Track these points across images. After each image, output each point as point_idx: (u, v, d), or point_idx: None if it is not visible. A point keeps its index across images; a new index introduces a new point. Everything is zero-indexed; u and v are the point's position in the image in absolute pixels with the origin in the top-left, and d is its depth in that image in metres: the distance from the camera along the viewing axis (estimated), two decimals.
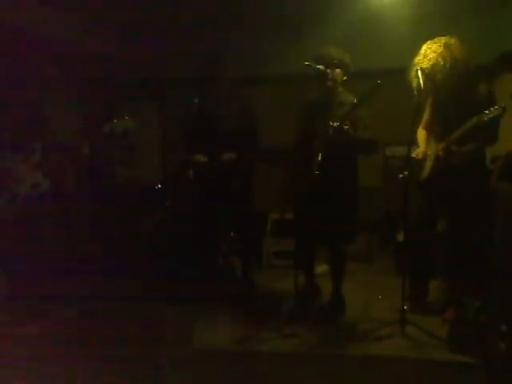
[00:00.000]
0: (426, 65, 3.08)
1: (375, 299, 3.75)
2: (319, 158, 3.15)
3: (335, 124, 3.11)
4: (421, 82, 2.96)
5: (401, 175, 3.04)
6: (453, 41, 3.09)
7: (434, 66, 3.06)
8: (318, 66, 3.29)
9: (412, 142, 3.06)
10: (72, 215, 4.81)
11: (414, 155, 3.28)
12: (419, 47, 3.23)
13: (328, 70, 3.28)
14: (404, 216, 3.14)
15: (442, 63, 3.04)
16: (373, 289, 4.04)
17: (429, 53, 3.10)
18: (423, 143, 3.34)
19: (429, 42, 3.15)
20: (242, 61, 4.91)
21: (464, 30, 3.21)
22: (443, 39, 3.10)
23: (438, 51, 3.06)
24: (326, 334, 3.19)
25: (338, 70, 3.32)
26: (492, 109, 2.83)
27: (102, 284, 4.08)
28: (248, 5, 4.59)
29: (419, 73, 2.97)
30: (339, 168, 3.29)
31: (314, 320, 3.38)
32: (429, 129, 3.35)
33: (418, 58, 3.15)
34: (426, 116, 3.39)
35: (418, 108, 2.98)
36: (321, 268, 4.06)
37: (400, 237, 4.24)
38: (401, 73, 3.20)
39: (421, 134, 3.40)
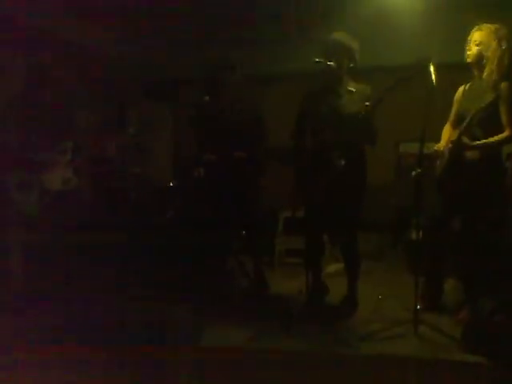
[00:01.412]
0: (478, 38, 3.05)
1: (387, 298, 3.71)
2: (340, 149, 3.13)
3: (366, 109, 3.06)
4: (433, 78, 2.90)
5: (413, 172, 3.00)
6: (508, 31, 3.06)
7: (486, 43, 3.02)
8: (328, 63, 3.25)
9: (424, 139, 2.99)
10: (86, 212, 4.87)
11: (435, 148, 3.24)
12: (433, 42, 3.19)
13: (335, 63, 3.24)
14: (416, 214, 3.10)
15: (494, 45, 3.00)
16: (385, 287, 4.00)
17: (488, 29, 3.05)
18: (445, 139, 3.28)
19: (484, 24, 3.09)
20: (253, 60, 4.91)
21: (476, 23, 3.14)
22: (504, 26, 3.06)
23: (497, 32, 3.03)
24: (338, 333, 3.16)
25: (344, 59, 3.29)
26: (493, 94, 2.80)
27: (114, 281, 4.10)
28: (258, 4, 4.57)
29: (431, 69, 2.92)
30: (354, 158, 3.26)
31: (325, 319, 3.36)
32: (454, 125, 3.29)
33: (475, 31, 3.09)
34: (452, 112, 3.32)
35: (429, 104, 2.93)
36: (333, 267, 4.04)
37: (413, 235, 4.20)
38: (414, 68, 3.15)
39: (446, 129, 3.34)
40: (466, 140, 2.98)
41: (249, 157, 3.72)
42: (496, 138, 2.98)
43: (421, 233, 3.20)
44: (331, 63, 3.25)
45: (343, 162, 3.15)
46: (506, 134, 2.97)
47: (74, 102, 4.70)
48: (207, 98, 3.77)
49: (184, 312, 3.41)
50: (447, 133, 3.32)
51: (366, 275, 3.98)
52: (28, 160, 4.04)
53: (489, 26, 3.07)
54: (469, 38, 3.13)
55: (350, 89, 3.30)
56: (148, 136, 5.49)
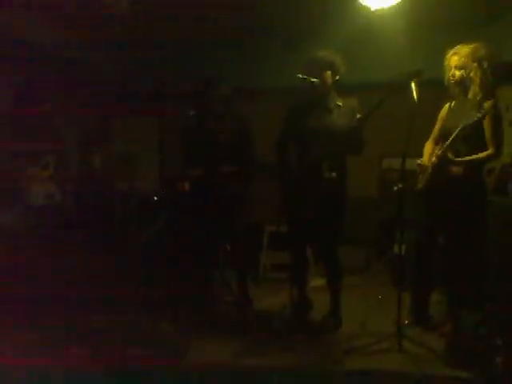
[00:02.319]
0: (458, 63, 3.08)
1: (373, 312, 3.72)
2: (327, 162, 3.18)
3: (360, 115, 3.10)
4: (415, 95, 2.95)
5: (395, 188, 3.04)
6: (488, 48, 3.09)
7: (466, 66, 3.06)
8: (312, 79, 3.30)
9: (406, 155, 3.04)
10: (73, 227, 4.83)
11: (418, 161, 3.28)
12: (416, 59, 3.25)
13: (319, 78, 3.29)
14: (399, 228, 3.13)
15: (475, 66, 3.03)
16: (370, 301, 4.01)
17: (465, 51, 3.07)
18: (427, 155, 3.33)
19: (459, 46, 3.13)
20: (239, 74, 4.95)
21: (458, 40, 3.21)
22: (480, 43, 3.09)
23: (475, 54, 3.05)
24: (323, 348, 3.16)
25: (328, 73, 3.33)
26: (478, 113, 2.84)
27: (97, 296, 4.04)
28: (245, 19, 4.61)
29: (413, 86, 2.97)
30: (338, 171, 3.29)
31: (310, 334, 3.35)
32: (436, 141, 3.33)
33: (452, 55, 3.13)
34: (436, 128, 3.37)
35: (412, 120, 2.97)
36: (317, 282, 4.04)
37: (396, 248, 4.23)
38: (398, 85, 3.20)
39: (428, 146, 3.39)
40: (450, 156, 3.02)
41: (235, 171, 3.72)
42: (480, 155, 3.03)
43: (404, 247, 3.23)
44: (315, 80, 3.29)
45: (334, 174, 3.18)
46: (489, 151, 3.02)
47: (59, 116, 4.70)
48: (193, 112, 3.78)
49: (169, 327, 3.40)
50: (429, 149, 3.37)
51: (351, 289, 3.99)
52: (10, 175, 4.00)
53: (465, 48, 3.10)
54: (446, 63, 3.17)
55: (337, 103, 3.35)
56: (134, 149, 5.48)
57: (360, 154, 3.35)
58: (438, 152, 3.09)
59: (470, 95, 3.11)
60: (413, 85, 2.98)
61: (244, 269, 4.02)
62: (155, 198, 4.68)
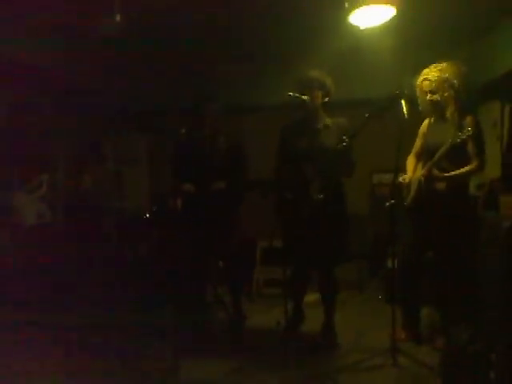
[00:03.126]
0: (431, 88, 3.15)
1: (367, 328, 3.72)
2: (319, 183, 3.21)
3: (343, 143, 3.13)
4: (404, 111, 3.00)
5: (387, 203, 3.06)
6: (456, 67, 3.16)
7: (442, 81, 3.12)
8: (302, 97, 3.33)
9: (398, 170, 3.08)
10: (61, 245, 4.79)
11: (400, 180, 3.32)
12: (404, 76, 3.31)
13: (309, 97, 3.33)
14: (391, 243, 3.15)
15: (453, 81, 3.11)
16: (364, 317, 4.01)
17: (434, 76, 3.15)
18: (411, 170, 3.38)
19: (432, 66, 3.21)
20: (229, 91, 4.98)
21: (447, 58, 3.28)
22: (447, 64, 3.17)
23: (450, 69, 3.13)
24: (317, 365, 3.14)
25: (319, 92, 3.37)
26: (465, 131, 2.90)
27: (87, 315, 4.00)
28: (235, 35, 4.67)
29: (403, 102, 3.02)
30: (333, 191, 3.33)
31: (304, 350, 3.34)
32: (418, 156, 3.40)
33: (423, 81, 3.21)
34: (417, 144, 3.43)
35: (401, 136, 3.02)
36: (311, 297, 4.03)
37: (389, 264, 4.24)
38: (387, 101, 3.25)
39: (410, 161, 3.44)
40: (436, 172, 3.08)
41: (227, 188, 3.73)
42: (464, 169, 3.09)
43: (394, 261, 3.25)
44: (305, 97, 3.33)
45: (322, 196, 3.21)
46: (473, 165, 3.08)
47: (50, 136, 4.70)
48: (183, 130, 3.80)
49: (159, 344, 3.36)
50: (411, 164, 3.42)
51: (344, 304, 3.99)
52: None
53: (434, 71, 3.17)
54: (418, 89, 3.23)
55: (326, 123, 3.39)
56: (125, 168, 5.48)
57: (350, 175, 3.39)
58: (424, 170, 3.14)
59: (448, 114, 3.18)
60: (403, 101, 3.03)
61: (237, 285, 4.00)
62: (147, 215, 4.66)
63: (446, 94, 3.13)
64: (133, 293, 4.22)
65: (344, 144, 3.13)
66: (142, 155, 5.90)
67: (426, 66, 3.27)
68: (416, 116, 3.30)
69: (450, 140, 2.94)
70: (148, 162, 5.92)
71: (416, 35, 4.47)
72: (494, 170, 3.94)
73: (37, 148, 4.50)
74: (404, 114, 3.02)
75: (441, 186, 3.15)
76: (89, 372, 3.03)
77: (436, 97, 3.16)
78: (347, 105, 4.02)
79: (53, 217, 4.49)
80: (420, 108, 3.28)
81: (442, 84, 3.13)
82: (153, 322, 3.78)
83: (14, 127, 4.25)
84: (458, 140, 2.91)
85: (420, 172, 3.25)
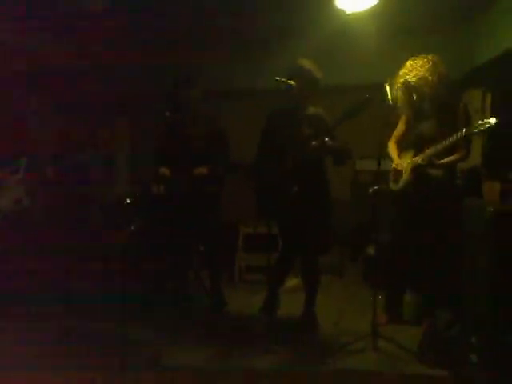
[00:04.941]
0: (413, 79, 3.16)
1: (347, 312, 3.76)
2: (296, 175, 3.20)
3: (325, 139, 3.14)
4: (388, 98, 3.01)
5: (370, 189, 3.08)
6: (437, 58, 3.19)
7: (420, 80, 3.14)
8: (289, 82, 3.31)
9: (381, 157, 3.09)
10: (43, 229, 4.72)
11: (394, 165, 3.35)
12: (386, 63, 3.31)
13: (298, 85, 3.30)
14: (374, 229, 3.17)
15: (429, 78, 3.12)
16: (345, 302, 4.05)
17: (416, 67, 3.17)
18: (396, 156, 3.41)
19: (414, 57, 3.23)
20: (213, 75, 4.93)
21: (430, 45, 3.29)
22: (429, 56, 3.19)
23: (426, 66, 3.15)
24: (298, 349, 3.16)
25: (306, 81, 3.34)
26: (479, 123, 2.90)
27: (69, 302, 3.96)
28: (220, 19, 4.60)
29: (387, 89, 3.02)
30: (315, 181, 3.34)
31: (286, 335, 3.35)
32: (400, 142, 3.42)
33: (404, 72, 3.22)
34: (398, 130, 3.46)
35: (386, 123, 3.03)
36: (291, 282, 4.05)
37: (370, 250, 4.28)
38: (370, 88, 3.25)
39: (392, 147, 3.46)
40: (433, 160, 3.13)
41: (209, 172, 3.70)
42: (454, 156, 3.14)
43: (378, 248, 3.28)
44: (292, 82, 3.30)
45: (296, 189, 3.20)
46: (461, 153, 3.14)
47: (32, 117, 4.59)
48: (168, 113, 3.75)
49: (140, 329, 3.35)
50: (394, 149, 3.44)
51: (326, 290, 4.02)
52: None
53: (413, 70, 3.18)
54: (400, 85, 3.22)
55: (309, 113, 3.38)
56: (105, 152, 5.40)
57: (344, 163, 3.38)
58: (419, 159, 3.17)
59: (429, 111, 3.21)
60: (387, 88, 3.03)
61: (218, 270, 3.99)
62: (128, 201, 4.59)
63: (425, 91, 3.16)
64: (115, 280, 4.18)
65: (314, 144, 3.15)
66: (124, 140, 5.81)
67: (409, 53, 3.28)
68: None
69: (459, 133, 2.95)
70: (130, 147, 5.83)
71: (400, 21, 4.48)
72: (475, 158, 3.98)
73: (14, 131, 4.38)
74: (388, 100, 3.02)
75: (433, 172, 3.19)
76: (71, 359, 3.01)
77: (416, 97, 3.19)
78: (333, 90, 4.01)
79: (31, 202, 4.38)
80: (399, 107, 3.30)
81: (421, 83, 3.15)
82: (135, 308, 3.78)
83: None
84: (475, 131, 2.90)
85: (409, 158, 3.28)
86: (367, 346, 3.06)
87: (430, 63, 3.15)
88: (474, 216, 2.93)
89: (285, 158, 3.33)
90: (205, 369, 2.92)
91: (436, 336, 2.96)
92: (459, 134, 2.96)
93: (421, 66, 3.16)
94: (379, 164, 3.08)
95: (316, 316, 3.50)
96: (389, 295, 3.47)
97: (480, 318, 2.74)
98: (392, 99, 3.05)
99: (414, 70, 3.18)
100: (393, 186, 3.37)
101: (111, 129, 5.66)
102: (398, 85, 3.22)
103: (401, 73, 3.24)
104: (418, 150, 3.24)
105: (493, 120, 2.83)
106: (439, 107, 3.19)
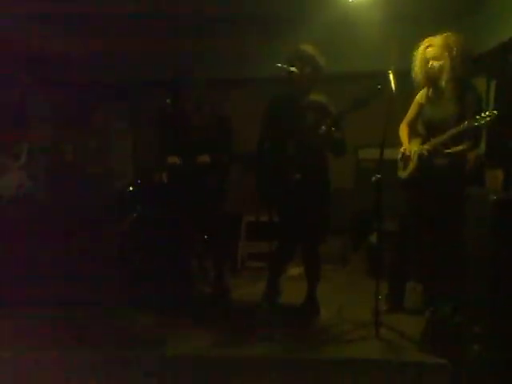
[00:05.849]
0: (431, 53, 3.13)
1: (349, 301, 3.77)
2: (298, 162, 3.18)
3: (323, 128, 3.13)
4: (392, 85, 2.98)
5: (373, 178, 3.07)
6: (458, 35, 3.14)
7: (441, 52, 3.11)
8: (291, 69, 3.27)
9: (384, 145, 3.07)
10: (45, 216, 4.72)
11: (402, 150, 3.33)
12: (393, 50, 3.28)
13: (300, 71, 3.27)
14: (377, 218, 3.16)
15: (448, 53, 3.09)
16: (347, 291, 4.06)
17: (439, 42, 3.13)
18: (406, 140, 3.38)
19: (431, 38, 3.19)
20: (216, 63, 4.89)
21: (434, 33, 3.25)
22: (450, 33, 3.14)
23: (447, 41, 3.11)
24: (300, 337, 3.17)
25: (308, 67, 3.30)
26: (484, 114, 2.87)
27: (72, 289, 3.97)
28: (223, 6, 4.56)
29: (391, 76, 2.99)
30: (316, 169, 3.32)
31: (288, 323, 3.37)
32: (412, 127, 3.39)
33: (426, 48, 3.17)
34: (412, 112, 3.42)
35: (389, 111, 3.00)
36: (293, 271, 4.06)
37: (373, 238, 4.28)
38: (373, 75, 3.22)
39: (404, 130, 3.43)
40: (441, 149, 3.10)
41: (212, 161, 3.69)
42: (464, 145, 3.10)
43: (381, 237, 3.27)
44: (293, 69, 3.27)
45: (298, 176, 3.19)
46: (471, 143, 3.10)
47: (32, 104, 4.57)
48: (169, 100, 3.73)
49: (145, 317, 3.37)
50: (405, 133, 3.41)
51: (328, 279, 4.03)
52: None
53: (437, 39, 3.15)
54: (420, 56, 3.19)
55: (311, 100, 3.34)
56: (109, 139, 5.39)
57: (343, 154, 3.37)
58: (428, 145, 3.14)
59: (443, 84, 3.15)
60: (391, 75, 3.00)
61: (221, 258, 4.00)
62: (130, 189, 4.59)
63: (445, 62, 3.10)
64: (117, 268, 4.20)
65: (321, 131, 3.13)
66: (127, 127, 5.79)
67: (412, 41, 3.24)
68: (404, 91, 3.29)
69: (467, 122, 2.92)
70: (133, 134, 5.81)
71: (403, 9, 4.42)
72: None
73: (15, 117, 4.37)
74: (392, 89, 2.99)
75: (441, 161, 3.16)
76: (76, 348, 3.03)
77: (440, 63, 3.12)
78: (337, 77, 3.98)
79: (34, 188, 4.39)
80: (414, 77, 3.24)
81: (445, 51, 3.10)
82: (137, 296, 3.80)
83: None
84: (476, 124, 2.88)
85: (418, 146, 3.25)
86: (369, 335, 3.06)
87: (452, 39, 3.11)
88: (477, 204, 2.91)
89: (286, 144, 3.32)
90: (207, 356, 2.94)
91: (439, 325, 2.97)
92: (461, 126, 2.93)
93: (442, 41, 3.12)
94: (382, 153, 3.06)
95: (318, 301, 3.51)
96: (392, 283, 3.46)
97: (483, 307, 2.73)
98: (413, 73, 3.04)
99: (433, 45, 3.14)
100: (401, 174, 3.36)
101: (112, 116, 5.65)
102: (418, 58, 3.19)
103: (420, 48, 3.20)
104: (427, 137, 3.21)
105: (495, 112, 2.81)
106: (453, 89, 3.13)
